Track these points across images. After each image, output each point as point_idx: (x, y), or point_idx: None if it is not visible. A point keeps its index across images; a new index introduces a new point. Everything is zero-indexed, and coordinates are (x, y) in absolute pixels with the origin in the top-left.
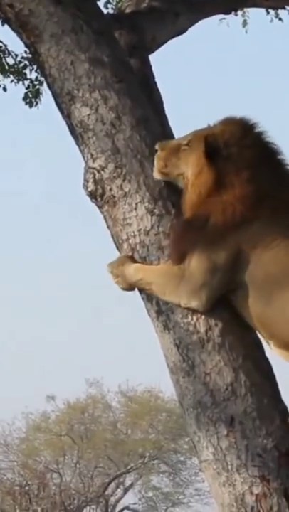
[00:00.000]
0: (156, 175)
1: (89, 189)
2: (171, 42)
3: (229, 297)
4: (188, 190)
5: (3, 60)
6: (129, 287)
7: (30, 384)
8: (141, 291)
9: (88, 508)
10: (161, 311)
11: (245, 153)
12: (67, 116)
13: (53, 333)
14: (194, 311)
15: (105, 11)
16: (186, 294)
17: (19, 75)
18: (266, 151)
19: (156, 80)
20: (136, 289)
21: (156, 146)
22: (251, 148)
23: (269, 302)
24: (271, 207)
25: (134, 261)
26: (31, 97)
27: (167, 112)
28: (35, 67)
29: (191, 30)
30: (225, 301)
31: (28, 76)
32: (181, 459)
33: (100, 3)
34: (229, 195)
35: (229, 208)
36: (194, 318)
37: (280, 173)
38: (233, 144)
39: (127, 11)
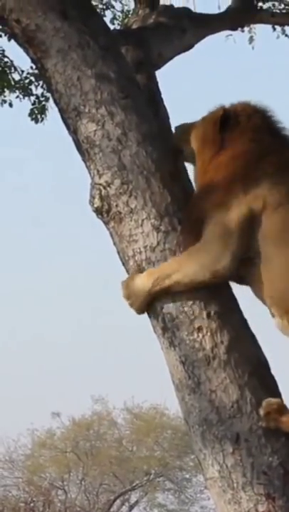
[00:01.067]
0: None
1: (95, 205)
2: (177, 58)
3: (242, 274)
4: (197, 160)
5: (9, 76)
6: (145, 301)
7: (36, 401)
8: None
9: None
10: (167, 327)
11: (252, 121)
12: (73, 132)
13: (57, 350)
14: (199, 329)
15: (112, 27)
16: (208, 263)
17: (25, 90)
18: (272, 125)
19: (162, 95)
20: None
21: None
22: (258, 120)
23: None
24: (274, 163)
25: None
26: (37, 113)
27: (173, 128)
28: (41, 83)
29: (197, 46)
30: (232, 314)
31: (34, 92)
32: (187, 476)
33: (107, 19)
34: (231, 152)
35: (231, 162)
36: (200, 335)
37: (282, 139)
38: (243, 115)
39: (134, 26)
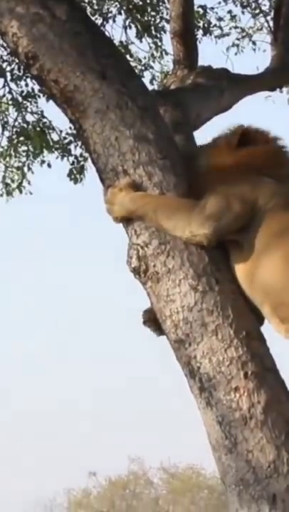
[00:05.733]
0: None
1: (132, 265)
2: (215, 118)
3: (230, 254)
4: (209, 166)
5: (48, 136)
6: (126, 216)
7: (72, 460)
8: (139, 220)
9: None
10: (204, 387)
11: (270, 144)
12: None
13: (93, 410)
14: (236, 389)
15: (151, 87)
16: (196, 222)
17: (64, 151)
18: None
19: None
20: (183, 366)
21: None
22: (276, 145)
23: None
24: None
25: (137, 190)
26: (76, 173)
27: None
28: (79, 143)
29: (235, 106)
30: (269, 374)
31: (73, 152)
32: None
33: (146, 80)
34: (249, 151)
35: (249, 157)
36: (237, 395)
37: None
38: (261, 138)
39: (172, 87)
